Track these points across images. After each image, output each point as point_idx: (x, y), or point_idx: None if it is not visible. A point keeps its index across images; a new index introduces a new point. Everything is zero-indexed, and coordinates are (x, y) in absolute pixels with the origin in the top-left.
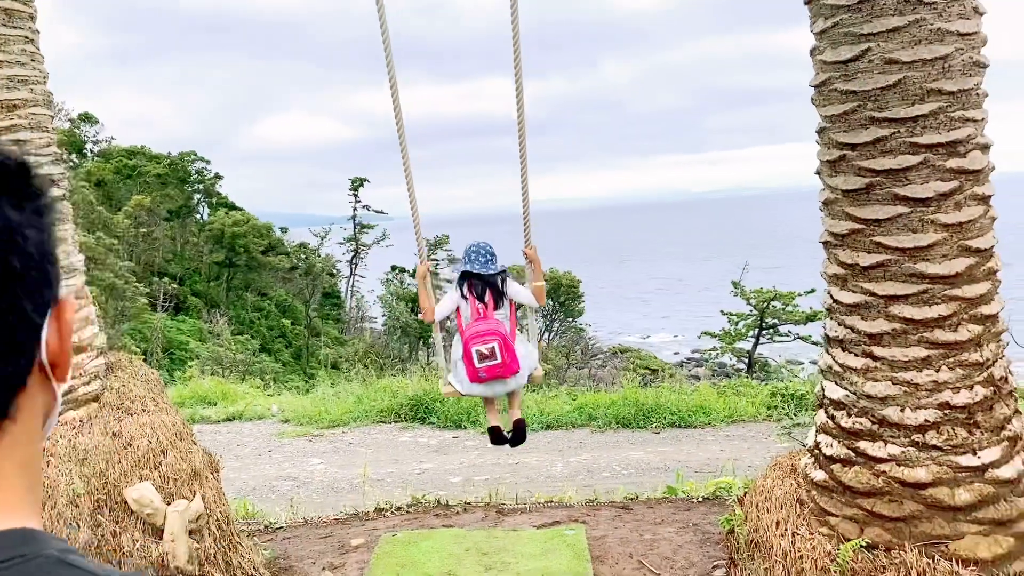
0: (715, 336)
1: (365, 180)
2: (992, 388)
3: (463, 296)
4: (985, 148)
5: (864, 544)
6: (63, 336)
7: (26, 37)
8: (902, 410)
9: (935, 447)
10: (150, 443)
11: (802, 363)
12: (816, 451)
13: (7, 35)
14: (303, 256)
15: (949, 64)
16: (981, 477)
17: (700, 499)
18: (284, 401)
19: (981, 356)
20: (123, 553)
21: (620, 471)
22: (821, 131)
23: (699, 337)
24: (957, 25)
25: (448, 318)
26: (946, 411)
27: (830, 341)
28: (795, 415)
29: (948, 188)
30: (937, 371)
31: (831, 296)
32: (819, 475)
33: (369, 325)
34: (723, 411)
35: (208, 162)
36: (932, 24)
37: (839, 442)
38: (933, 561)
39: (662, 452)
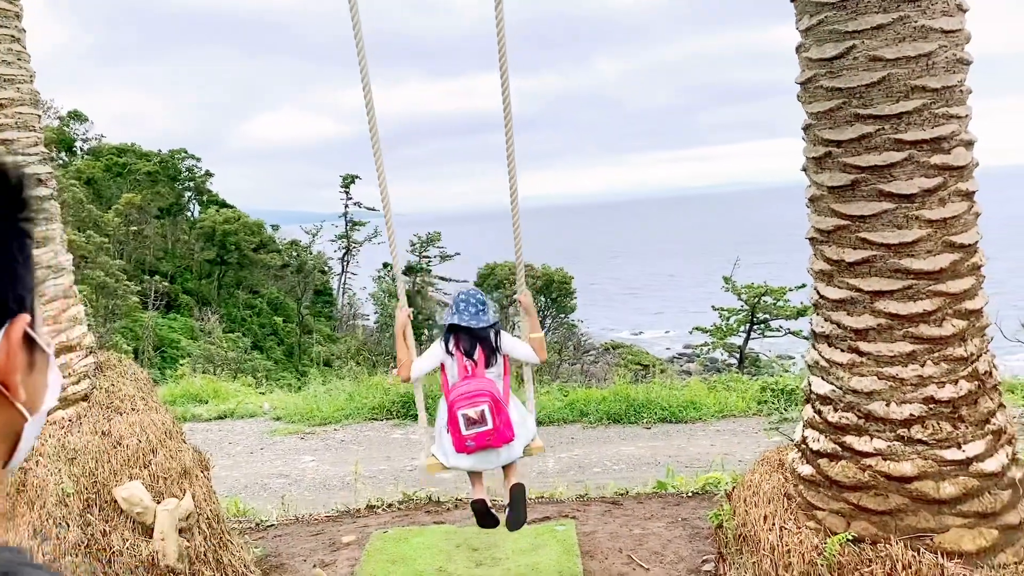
0: (706, 331)
1: (356, 177)
2: (976, 382)
3: (448, 352)
4: (969, 144)
5: (850, 538)
6: (10, 353)
7: (12, 36)
8: (887, 405)
9: (920, 441)
10: (139, 442)
11: (793, 358)
12: (803, 446)
13: None
14: (295, 253)
15: (933, 61)
16: (966, 470)
17: (690, 494)
18: (276, 399)
19: (965, 351)
20: (113, 552)
21: (611, 466)
22: (807, 128)
23: (690, 332)
24: (941, 22)
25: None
26: (931, 405)
27: (816, 336)
28: (785, 410)
29: (932, 184)
30: (922, 366)
31: (817, 292)
32: (806, 469)
33: (361, 322)
34: (714, 406)
35: (199, 159)
36: (916, 21)
37: (826, 437)
38: (918, 554)
39: (653, 447)
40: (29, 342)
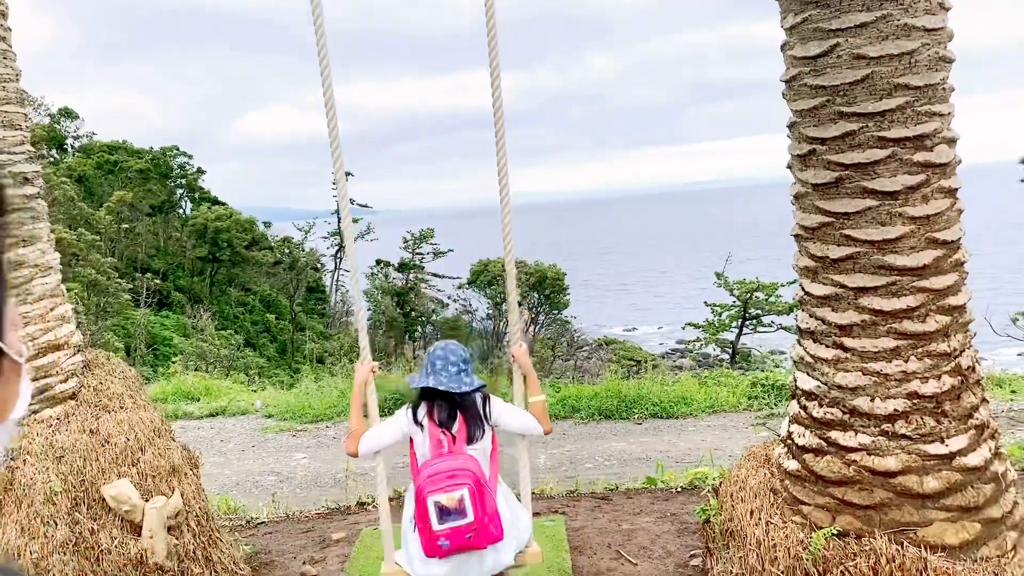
0: (699, 327)
1: (349, 174)
2: (959, 377)
3: (417, 423)
4: (952, 142)
5: (835, 532)
6: None
7: None
8: (872, 400)
9: (904, 436)
10: (128, 440)
11: (784, 353)
12: (789, 441)
13: None
14: (287, 251)
15: (916, 59)
16: (949, 465)
17: (679, 489)
18: (267, 396)
19: (949, 346)
20: (101, 550)
21: (602, 462)
22: (791, 125)
23: (683, 328)
24: (923, 21)
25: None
26: (915, 401)
27: (802, 332)
28: (775, 405)
29: (916, 181)
30: (906, 361)
31: (802, 288)
32: (792, 465)
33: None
34: (704, 401)
35: (190, 157)
36: (899, 20)
37: (811, 432)
38: (902, 548)
39: (644, 443)
40: None
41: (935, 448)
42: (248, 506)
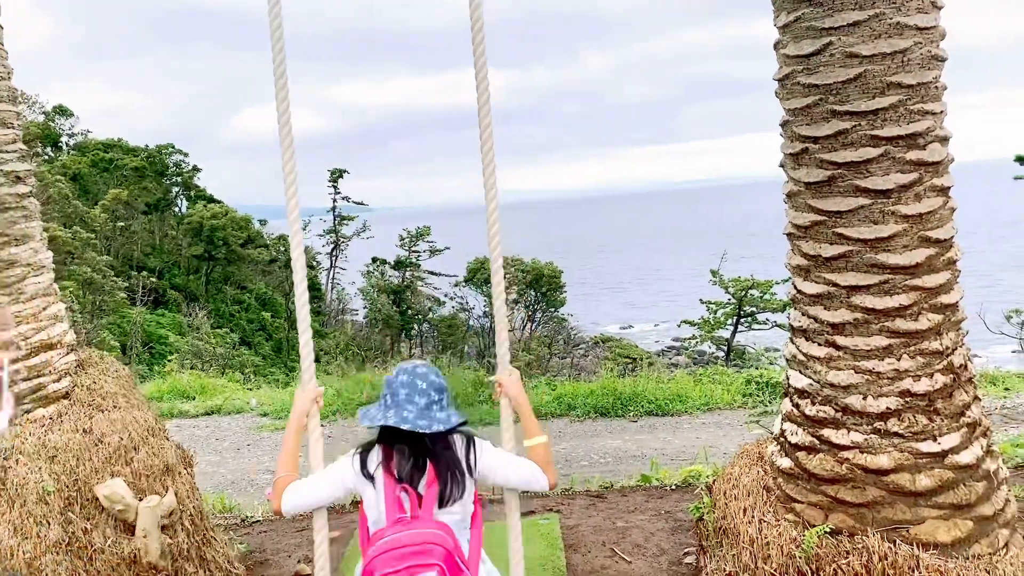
0: (694, 325)
1: (344, 171)
2: (952, 376)
3: (366, 475)
4: (944, 140)
5: (828, 530)
6: None
7: None
8: (864, 398)
9: (896, 434)
10: (121, 439)
11: (779, 350)
12: (782, 439)
13: None
14: (283, 248)
15: (908, 58)
16: (941, 463)
17: (673, 487)
18: (263, 395)
19: (941, 344)
20: (94, 550)
21: (598, 460)
22: (784, 124)
23: (679, 326)
24: (916, 19)
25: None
26: (907, 399)
27: (794, 331)
28: (770, 402)
29: (908, 180)
30: (898, 360)
31: (795, 287)
32: (785, 463)
33: (350, 317)
34: (699, 399)
35: (186, 155)
36: (891, 18)
37: (804, 430)
38: (894, 546)
39: (639, 440)
40: None
41: (927, 446)
42: (243, 505)
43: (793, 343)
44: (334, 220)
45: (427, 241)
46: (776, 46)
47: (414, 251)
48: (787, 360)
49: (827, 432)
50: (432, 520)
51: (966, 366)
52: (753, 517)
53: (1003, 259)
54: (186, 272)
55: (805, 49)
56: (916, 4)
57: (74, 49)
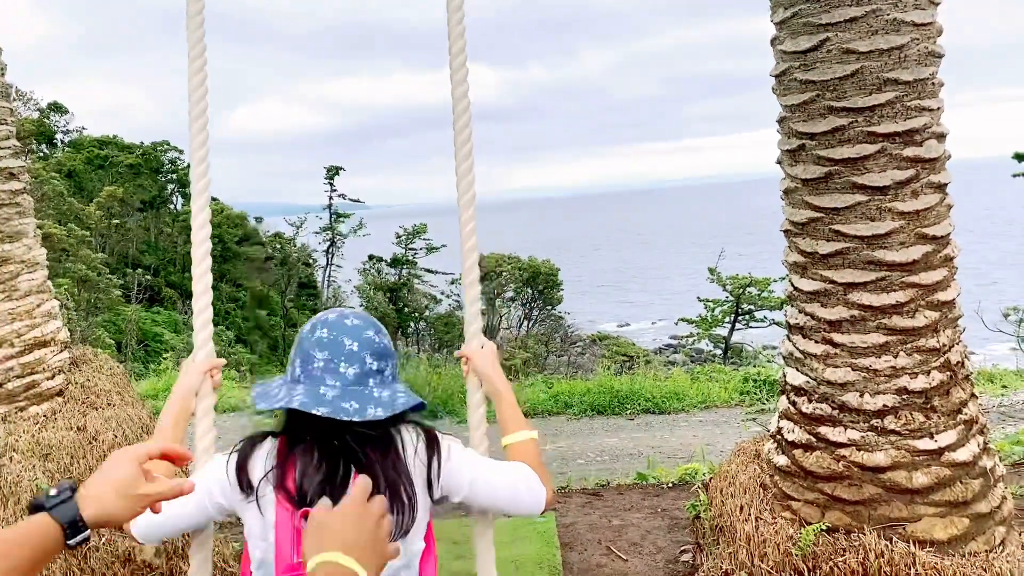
0: (692, 323)
1: (341, 169)
2: (948, 373)
3: (246, 489)
4: (941, 137)
5: (825, 528)
6: None
7: None
8: (861, 395)
9: (893, 431)
10: (115, 437)
11: (777, 348)
12: (779, 436)
13: None
14: (278, 246)
15: (905, 54)
16: (938, 460)
17: (670, 485)
18: None
19: (938, 342)
20: (88, 548)
21: (594, 458)
22: (781, 120)
23: (676, 324)
24: (913, 15)
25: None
26: (904, 396)
27: (791, 328)
28: (767, 400)
29: (905, 176)
30: (895, 357)
31: (792, 284)
32: (781, 460)
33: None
34: (696, 397)
35: (181, 152)
36: (888, 14)
37: (800, 427)
38: (891, 543)
39: (636, 438)
40: None
41: (924, 443)
42: None
43: (790, 340)
44: (330, 217)
45: (423, 239)
46: (773, 42)
47: (410, 249)
48: (784, 357)
49: (824, 429)
50: None
51: (963, 363)
52: (750, 515)
53: (1001, 257)
54: (181, 269)
55: (802, 45)
56: (913, 0)
57: (71, 47)
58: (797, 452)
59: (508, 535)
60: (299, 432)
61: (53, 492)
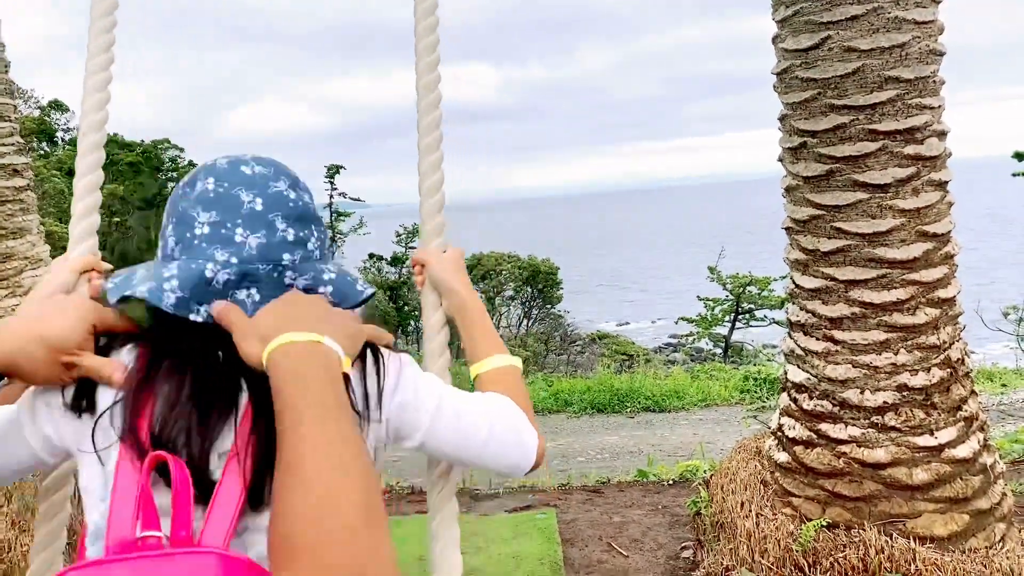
0: (692, 321)
1: (341, 167)
2: (949, 370)
3: (73, 406)
4: (942, 135)
5: (825, 524)
6: None
7: None
8: (862, 392)
9: (894, 428)
10: None
11: (777, 347)
12: (779, 433)
13: None
14: None
15: (906, 52)
16: (938, 457)
17: (670, 482)
18: None
19: (938, 339)
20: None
21: (595, 455)
22: (783, 118)
23: (676, 323)
24: (914, 13)
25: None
26: (904, 393)
27: (792, 325)
28: (767, 398)
29: (906, 174)
30: (895, 354)
31: (793, 281)
32: (782, 457)
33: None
34: (696, 395)
35: (182, 150)
36: (889, 12)
37: (801, 424)
38: (891, 539)
39: (636, 436)
40: None
41: (924, 440)
42: None
43: (791, 338)
44: (331, 216)
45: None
46: (774, 40)
47: (411, 247)
48: (785, 355)
49: (825, 426)
50: (220, 547)
51: (963, 360)
52: (750, 511)
53: (1002, 255)
54: None
55: (803, 43)
56: None
57: (68, 43)
58: (798, 449)
59: (509, 531)
60: (167, 342)
61: None
